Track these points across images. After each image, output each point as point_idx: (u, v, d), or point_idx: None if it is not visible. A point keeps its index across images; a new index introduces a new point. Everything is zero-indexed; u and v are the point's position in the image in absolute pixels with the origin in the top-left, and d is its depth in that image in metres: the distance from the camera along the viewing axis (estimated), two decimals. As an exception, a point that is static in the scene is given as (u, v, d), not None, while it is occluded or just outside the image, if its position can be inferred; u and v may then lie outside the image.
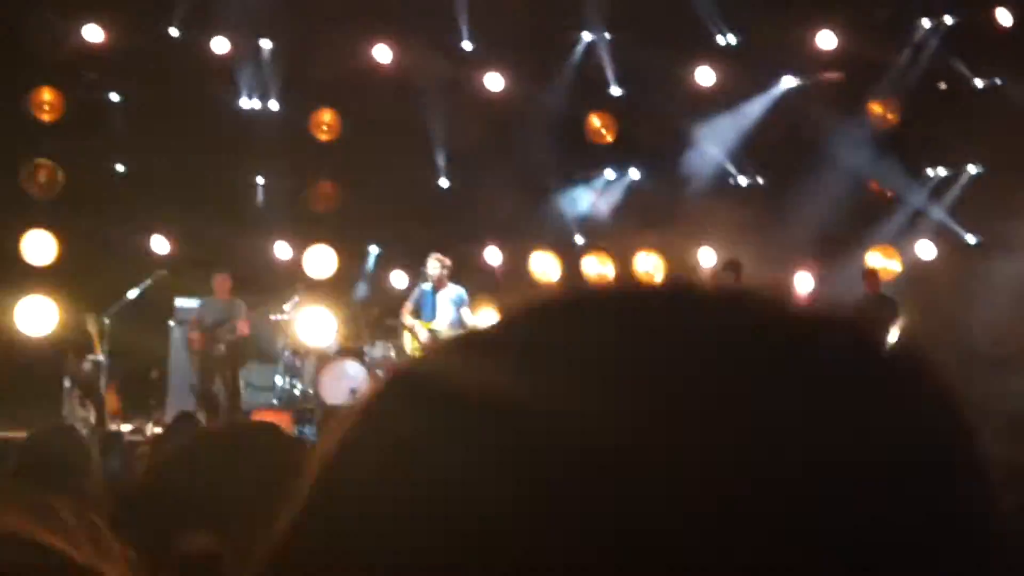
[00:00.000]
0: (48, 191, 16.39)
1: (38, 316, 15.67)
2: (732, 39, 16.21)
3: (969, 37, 15.43)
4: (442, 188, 17.08)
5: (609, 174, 17.17)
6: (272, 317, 15.05)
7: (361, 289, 17.01)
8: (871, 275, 14.59)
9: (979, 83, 15.62)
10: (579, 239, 17.25)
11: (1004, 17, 15.14)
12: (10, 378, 14.42)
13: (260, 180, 17.14)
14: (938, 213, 16.13)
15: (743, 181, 16.82)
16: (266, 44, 16.69)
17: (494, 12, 16.09)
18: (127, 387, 14.42)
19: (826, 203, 15.77)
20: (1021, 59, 14.73)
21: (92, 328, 14.21)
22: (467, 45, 16.64)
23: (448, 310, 13.65)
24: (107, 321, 14.14)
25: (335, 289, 16.42)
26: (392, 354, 14.83)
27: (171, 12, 16.15)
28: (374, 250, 17.18)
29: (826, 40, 15.93)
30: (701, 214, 16.47)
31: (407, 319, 13.85)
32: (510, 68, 16.58)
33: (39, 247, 16.30)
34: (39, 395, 13.77)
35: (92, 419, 13.69)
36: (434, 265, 13.73)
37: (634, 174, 17.11)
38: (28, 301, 15.66)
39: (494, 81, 16.55)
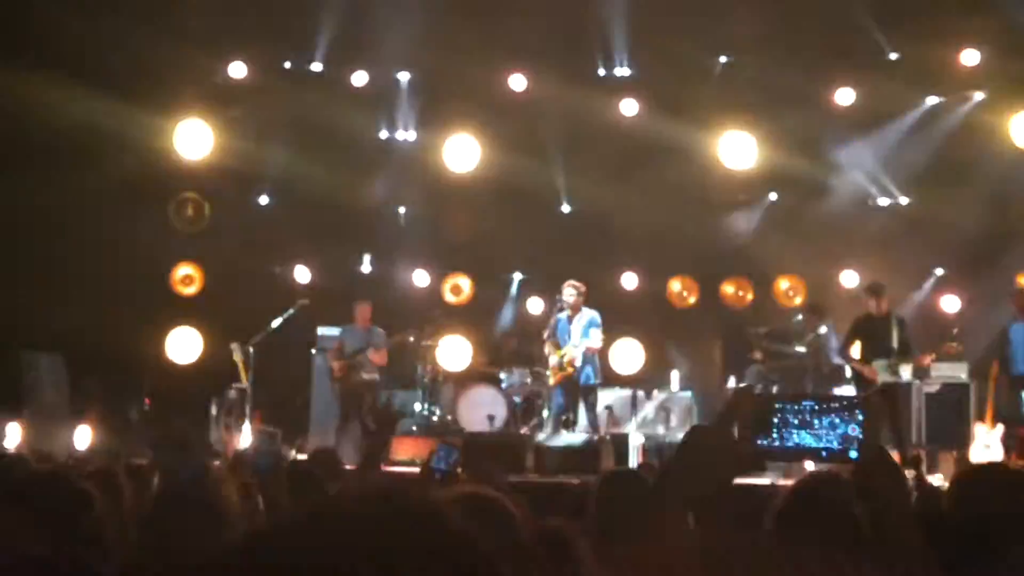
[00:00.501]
0: (195, 224, 16.86)
1: (186, 345, 16.16)
2: (892, 55, 15.88)
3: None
4: (577, 214, 17.06)
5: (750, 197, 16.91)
6: (411, 340, 15.23)
7: (505, 316, 17.11)
8: (1020, 297, 14.12)
9: None
10: (718, 264, 17.07)
11: None
12: (160, 406, 14.87)
13: (401, 209, 17.36)
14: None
15: (885, 202, 16.46)
16: (404, 76, 16.93)
17: (631, 36, 16.12)
18: (271, 414, 14.71)
19: (972, 223, 15.38)
20: None
21: (237, 357, 14.57)
22: (601, 72, 16.66)
23: (579, 334, 13.64)
24: (251, 350, 14.47)
25: (471, 316, 16.58)
26: (528, 380, 14.90)
27: (313, 48, 16.50)
28: (517, 276, 17.24)
29: (970, 58, 15.55)
30: (843, 236, 16.22)
31: (546, 347, 13.89)
32: (644, 94, 16.52)
33: (187, 280, 16.79)
34: (190, 423, 14.14)
35: (237, 446, 14.04)
36: (570, 292, 13.74)
37: (772, 196, 16.87)
38: (176, 331, 16.17)
39: (629, 107, 16.52)
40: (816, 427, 8.87)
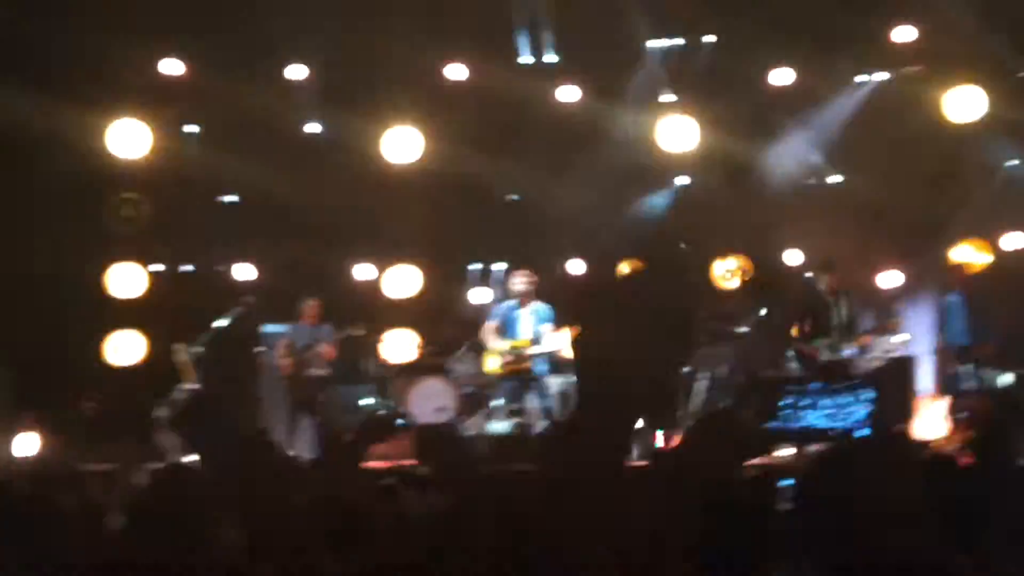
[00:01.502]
0: (134, 224, 16.60)
1: (128, 348, 15.94)
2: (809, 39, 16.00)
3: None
4: (521, 203, 17.05)
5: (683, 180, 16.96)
6: (355, 335, 15.15)
7: (454, 306, 16.95)
8: (956, 270, 14.30)
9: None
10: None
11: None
12: (101, 411, 14.67)
13: (340, 203, 17.24)
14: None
15: (829, 180, 16.54)
16: (339, 68, 16.79)
17: (568, 25, 16.11)
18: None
19: (911, 200, 15.53)
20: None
21: (182, 358, 14.40)
22: (538, 59, 16.64)
23: (530, 326, 13.61)
24: (196, 351, 14.29)
25: (418, 307, 16.51)
26: (478, 370, 14.85)
27: (247, 43, 16.31)
28: (466, 267, 17.11)
29: (904, 34, 15.67)
30: (784, 216, 16.33)
31: (491, 337, 13.82)
32: (585, 81, 16.51)
33: (126, 280, 16.54)
34: (130, 427, 13.99)
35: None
36: (519, 282, 13.70)
37: (682, 180, 16.89)
38: (117, 334, 15.94)
39: (569, 93, 16.49)
40: (826, 408, 8.92)
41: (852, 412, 8.83)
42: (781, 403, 8.81)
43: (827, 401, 8.85)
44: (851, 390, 9.04)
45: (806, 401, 8.83)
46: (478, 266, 17.10)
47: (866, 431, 8.72)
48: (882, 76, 16.20)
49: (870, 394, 8.89)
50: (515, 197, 17.06)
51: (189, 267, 17.08)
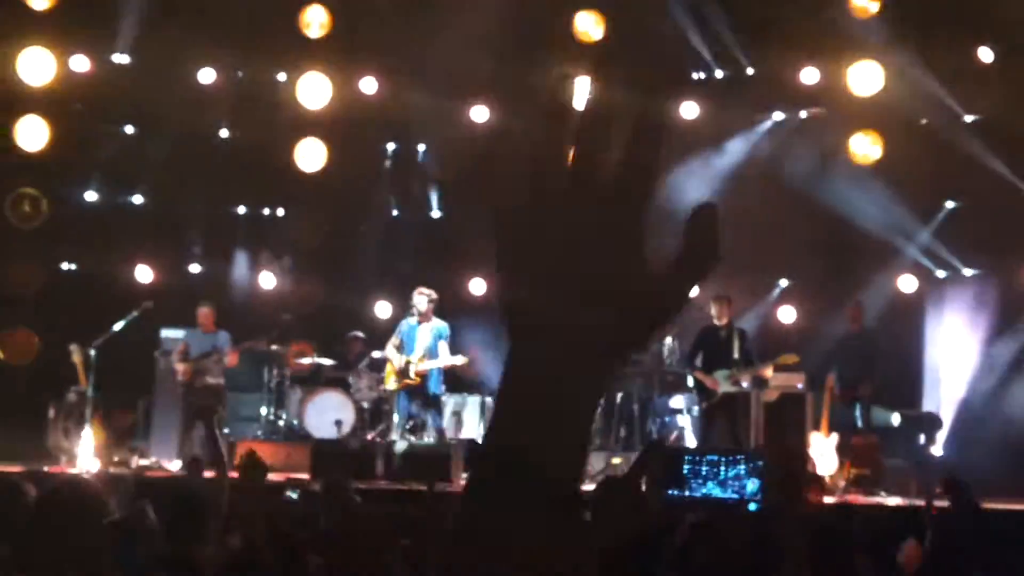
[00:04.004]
0: (32, 221, 16.31)
1: (21, 347, 15.63)
2: (719, 73, 16.31)
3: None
4: (432, 220, 17.11)
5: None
6: (265, 347, 15.04)
7: (351, 320, 16.74)
8: (855, 311, 14.65)
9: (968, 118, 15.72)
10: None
11: (985, 55, 15.33)
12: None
13: (242, 210, 17.17)
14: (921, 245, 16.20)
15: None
16: (248, 75, 16.70)
17: (476, 46, 16.18)
18: (112, 419, 14.36)
19: (813, 237, 15.83)
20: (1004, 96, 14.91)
21: (77, 359, 14.16)
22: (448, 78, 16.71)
23: (426, 342, 13.64)
24: (92, 352, 14.05)
25: (319, 320, 16.43)
26: (377, 385, 14.80)
27: (159, 43, 16.13)
28: (366, 280, 16.94)
29: (810, 76, 16.01)
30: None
31: (391, 352, 13.84)
32: (494, 101, 16.59)
33: (23, 276, 16.21)
34: (25, 427, 13.75)
35: (75, 451, 13.66)
36: (421, 299, 13.73)
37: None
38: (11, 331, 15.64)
39: (480, 113, 16.57)
40: (723, 478, 9.14)
41: (744, 483, 9.09)
42: (683, 471, 9.03)
43: (724, 470, 9.08)
44: (745, 461, 9.30)
45: (705, 470, 9.06)
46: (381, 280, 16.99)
47: (755, 505, 8.96)
48: (788, 115, 16.49)
49: (759, 466, 9.14)
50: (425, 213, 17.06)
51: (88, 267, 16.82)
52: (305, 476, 12.05)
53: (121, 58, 16.27)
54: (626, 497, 3.24)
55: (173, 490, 5.94)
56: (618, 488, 3.35)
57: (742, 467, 9.28)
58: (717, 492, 9.13)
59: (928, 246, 16.20)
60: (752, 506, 8.81)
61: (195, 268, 17.07)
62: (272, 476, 12.34)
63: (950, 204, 16.15)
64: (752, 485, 9.20)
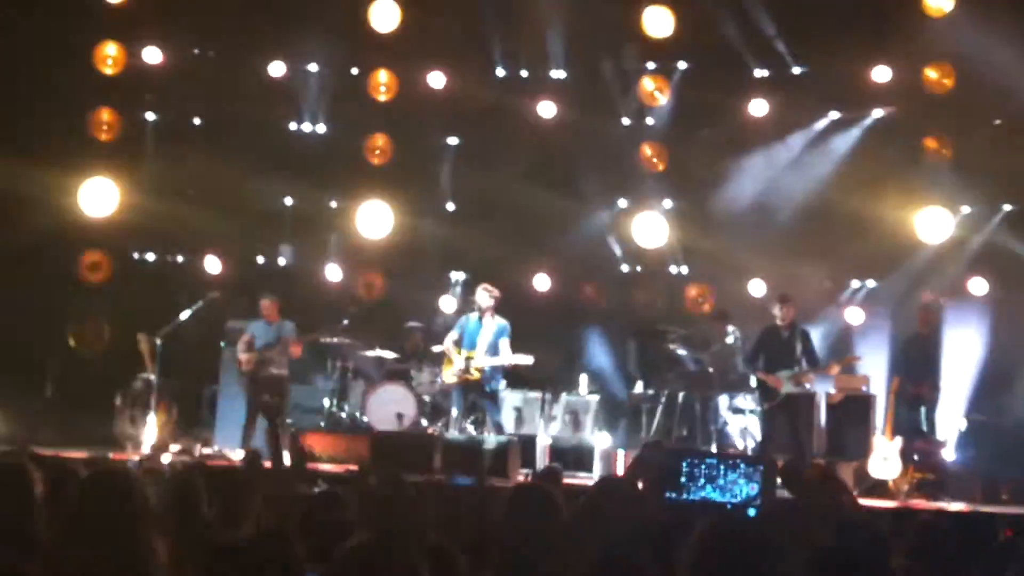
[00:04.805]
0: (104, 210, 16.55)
1: (91, 336, 15.93)
2: (796, 70, 16.15)
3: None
4: (494, 214, 17.12)
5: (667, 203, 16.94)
6: (323, 340, 15.15)
7: (418, 314, 16.79)
8: (927, 313, 14.44)
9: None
10: (625, 268, 17.21)
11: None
12: (64, 397, 14.65)
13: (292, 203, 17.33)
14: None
15: (784, 215, 16.47)
16: (322, 70, 16.84)
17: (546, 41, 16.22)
18: (178, 407, 14.59)
19: (881, 235, 15.62)
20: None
21: (144, 348, 14.37)
22: (520, 73, 16.73)
23: (488, 339, 13.63)
24: (159, 341, 14.25)
25: (383, 312, 16.52)
26: (438, 379, 14.85)
27: (230, 36, 16.33)
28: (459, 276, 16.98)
29: (881, 74, 15.80)
30: (751, 246, 16.34)
31: (450, 347, 13.85)
32: (562, 96, 16.58)
33: (94, 268, 16.51)
34: (94, 414, 14.00)
35: (141, 438, 13.89)
36: (483, 295, 13.73)
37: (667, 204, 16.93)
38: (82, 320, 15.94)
39: (546, 109, 16.55)
40: (721, 482, 9.11)
41: (740, 488, 9.04)
42: (681, 473, 9.00)
43: (723, 474, 9.03)
44: (744, 465, 9.24)
45: (705, 472, 9.01)
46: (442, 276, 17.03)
47: (753, 510, 8.91)
48: (854, 113, 16.31)
49: (758, 471, 9.08)
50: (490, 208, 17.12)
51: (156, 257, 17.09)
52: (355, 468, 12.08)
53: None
54: (624, 496, 3.24)
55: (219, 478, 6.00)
56: (615, 487, 3.35)
57: (740, 471, 9.20)
58: (715, 496, 9.06)
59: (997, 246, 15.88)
60: (751, 511, 8.72)
61: (281, 260, 17.20)
62: (331, 467, 12.55)
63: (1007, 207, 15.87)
64: (750, 489, 9.12)
